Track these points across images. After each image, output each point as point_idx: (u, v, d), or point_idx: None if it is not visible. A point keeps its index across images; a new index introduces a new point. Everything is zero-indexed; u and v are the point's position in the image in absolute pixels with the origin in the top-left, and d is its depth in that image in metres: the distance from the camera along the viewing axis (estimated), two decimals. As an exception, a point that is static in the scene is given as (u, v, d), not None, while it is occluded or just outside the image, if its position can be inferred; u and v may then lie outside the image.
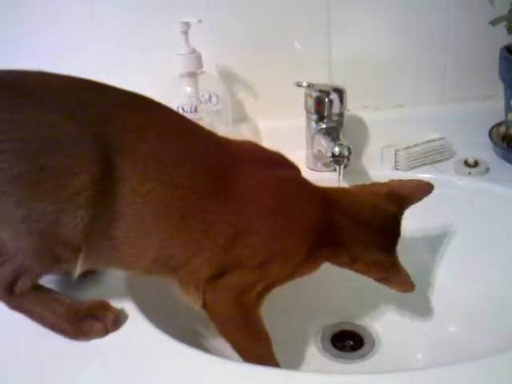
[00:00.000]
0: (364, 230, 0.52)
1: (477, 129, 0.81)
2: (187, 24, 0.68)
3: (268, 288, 0.50)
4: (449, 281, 0.68)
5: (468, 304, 0.64)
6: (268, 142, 0.83)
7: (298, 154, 0.79)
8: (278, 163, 0.53)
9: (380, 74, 0.82)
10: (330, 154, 0.64)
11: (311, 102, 0.72)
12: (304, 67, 0.80)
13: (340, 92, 0.71)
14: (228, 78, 0.81)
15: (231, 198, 0.47)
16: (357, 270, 0.55)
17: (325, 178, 0.70)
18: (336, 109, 0.72)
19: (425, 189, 0.58)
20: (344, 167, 0.65)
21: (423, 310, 0.68)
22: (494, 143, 0.75)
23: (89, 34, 0.76)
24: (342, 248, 0.52)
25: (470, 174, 0.71)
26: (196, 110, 0.70)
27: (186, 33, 0.68)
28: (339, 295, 0.69)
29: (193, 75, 0.70)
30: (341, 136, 0.68)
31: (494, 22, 0.68)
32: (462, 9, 0.78)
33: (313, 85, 0.70)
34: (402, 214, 0.56)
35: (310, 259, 0.50)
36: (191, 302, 0.50)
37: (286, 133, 0.82)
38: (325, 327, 0.68)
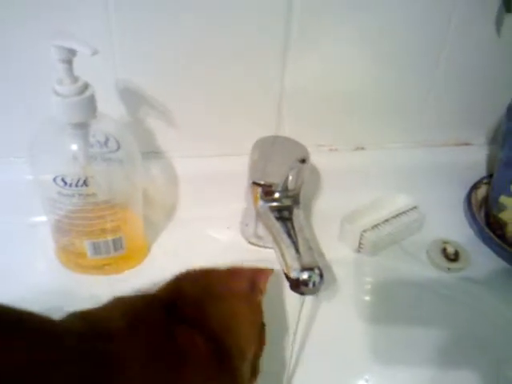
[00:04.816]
0: None
1: (451, 183, 0.66)
2: (72, 51, 0.40)
3: None
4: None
5: None
6: (188, 189, 0.61)
7: (232, 208, 0.59)
8: None
9: (339, 108, 0.61)
10: (293, 276, 0.43)
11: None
12: (248, 92, 0.57)
13: (302, 162, 0.50)
14: (136, 100, 0.55)
15: None
16: None
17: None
18: (292, 184, 0.51)
19: None
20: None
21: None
22: (475, 224, 0.61)
23: None
24: None
25: (449, 269, 0.56)
26: (86, 184, 0.45)
27: (69, 62, 0.41)
28: None
29: (82, 127, 0.44)
30: (303, 237, 0.47)
31: None
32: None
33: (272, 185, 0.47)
34: None
35: None
36: None
37: (216, 178, 0.60)
38: None
